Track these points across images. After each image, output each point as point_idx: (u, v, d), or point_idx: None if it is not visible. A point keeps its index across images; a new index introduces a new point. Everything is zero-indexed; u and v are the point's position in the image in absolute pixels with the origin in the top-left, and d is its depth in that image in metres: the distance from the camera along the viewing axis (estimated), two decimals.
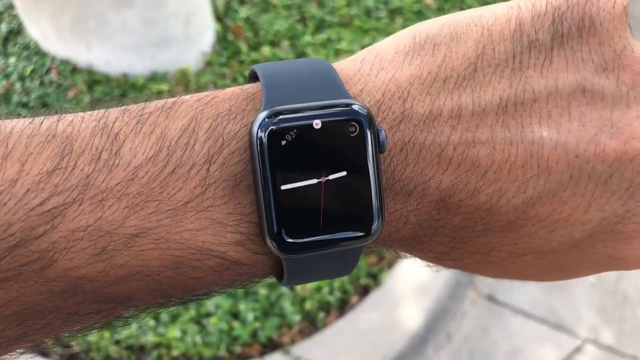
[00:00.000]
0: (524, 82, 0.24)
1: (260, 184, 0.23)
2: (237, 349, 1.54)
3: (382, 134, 0.24)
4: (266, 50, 2.21)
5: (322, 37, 2.31)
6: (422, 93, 0.25)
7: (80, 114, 0.24)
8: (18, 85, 2.00)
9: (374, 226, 0.25)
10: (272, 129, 0.23)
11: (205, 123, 0.24)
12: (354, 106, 0.24)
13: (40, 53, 2.06)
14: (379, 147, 0.24)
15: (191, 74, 2.06)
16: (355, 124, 0.24)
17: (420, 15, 2.44)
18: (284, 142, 0.23)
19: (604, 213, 0.26)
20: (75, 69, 2.01)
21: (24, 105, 1.95)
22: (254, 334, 1.56)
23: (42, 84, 2.00)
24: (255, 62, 2.17)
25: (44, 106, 1.93)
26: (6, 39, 2.12)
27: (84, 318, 0.24)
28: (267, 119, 0.23)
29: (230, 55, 2.17)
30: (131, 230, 0.22)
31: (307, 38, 2.29)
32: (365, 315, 1.67)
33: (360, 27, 2.37)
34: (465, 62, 0.25)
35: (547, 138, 0.24)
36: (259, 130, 0.23)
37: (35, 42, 2.07)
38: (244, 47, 2.20)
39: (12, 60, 2.06)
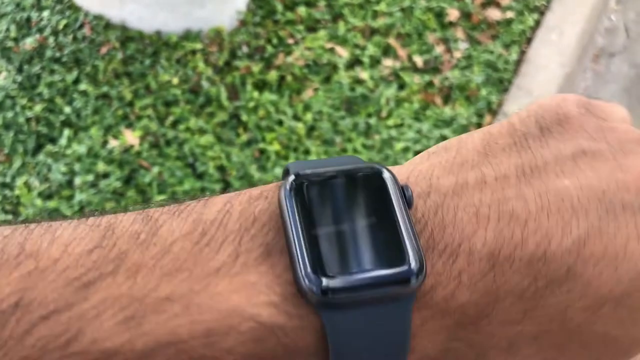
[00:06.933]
0: (530, 153, 0.28)
1: (290, 229, 0.24)
2: None
3: (409, 191, 0.26)
4: (302, 10, 2.15)
5: None
6: (444, 173, 0.27)
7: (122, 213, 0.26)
8: (51, 40, 1.98)
9: (413, 264, 0.24)
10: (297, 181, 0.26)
11: (239, 206, 0.26)
12: (376, 166, 0.27)
13: (73, 7, 2.02)
14: (406, 200, 0.26)
15: (225, 33, 2.02)
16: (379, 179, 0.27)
17: None
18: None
19: None
20: (108, 25, 1.97)
21: (57, 60, 1.93)
22: None
23: (75, 39, 1.97)
24: (291, 22, 2.11)
25: (77, 62, 1.91)
26: None
27: None
28: (293, 182, 0.26)
29: (265, 14, 2.12)
30: (162, 294, 0.23)
31: None
32: None
33: None
34: (475, 152, 0.28)
35: (570, 185, 0.27)
36: (286, 186, 0.26)
37: None
38: (279, 7, 2.14)
39: (45, 13, 2.04)
